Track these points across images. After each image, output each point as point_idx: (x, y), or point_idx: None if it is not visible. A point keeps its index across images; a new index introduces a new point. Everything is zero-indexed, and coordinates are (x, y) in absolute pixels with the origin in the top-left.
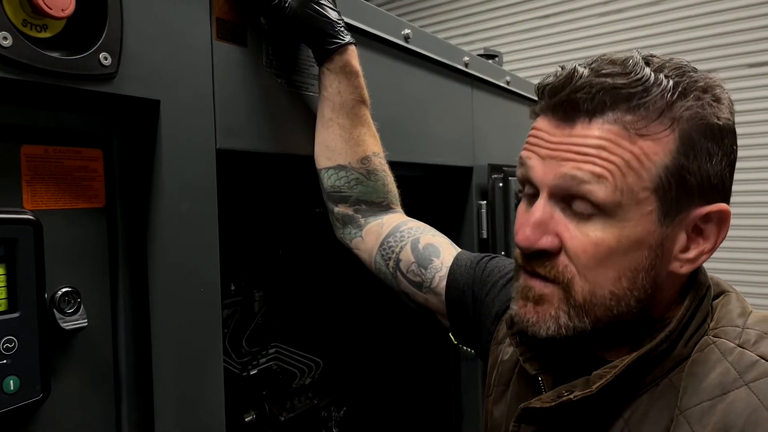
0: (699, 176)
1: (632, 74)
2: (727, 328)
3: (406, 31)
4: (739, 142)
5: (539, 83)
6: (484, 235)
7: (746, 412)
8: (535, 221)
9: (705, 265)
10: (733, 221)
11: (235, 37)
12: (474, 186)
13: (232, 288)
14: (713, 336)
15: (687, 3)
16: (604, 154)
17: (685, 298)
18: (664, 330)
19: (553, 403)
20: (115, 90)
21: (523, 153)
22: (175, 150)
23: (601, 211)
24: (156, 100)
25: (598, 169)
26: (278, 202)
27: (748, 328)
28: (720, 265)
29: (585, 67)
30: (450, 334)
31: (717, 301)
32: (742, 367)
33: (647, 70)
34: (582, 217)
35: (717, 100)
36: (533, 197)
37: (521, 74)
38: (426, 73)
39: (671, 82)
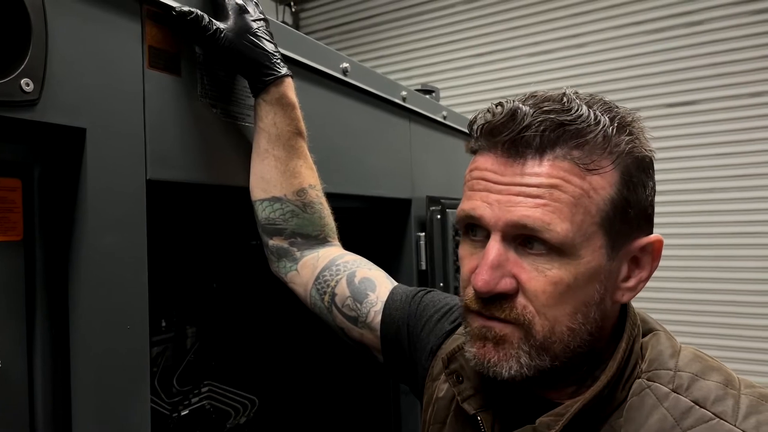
0: (637, 208)
1: (572, 111)
2: (660, 371)
3: (345, 64)
4: (658, 177)
5: (474, 120)
6: (423, 267)
7: None
8: (492, 264)
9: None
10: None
11: (169, 66)
12: (412, 218)
13: (163, 324)
14: (647, 380)
15: (609, 47)
16: (556, 193)
17: (618, 334)
18: (605, 374)
19: None
20: (37, 117)
21: (468, 202)
22: (102, 180)
23: (555, 250)
24: (82, 128)
25: (549, 213)
26: (212, 234)
27: (680, 371)
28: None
29: (524, 104)
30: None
31: (646, 339)
32: (678, 414)
33: (584, 107)
34: (537, 257)
35: (641, 132)
36: (479, 239)
37: (457, 109)
38: (365, 106)
39: (607, 118)
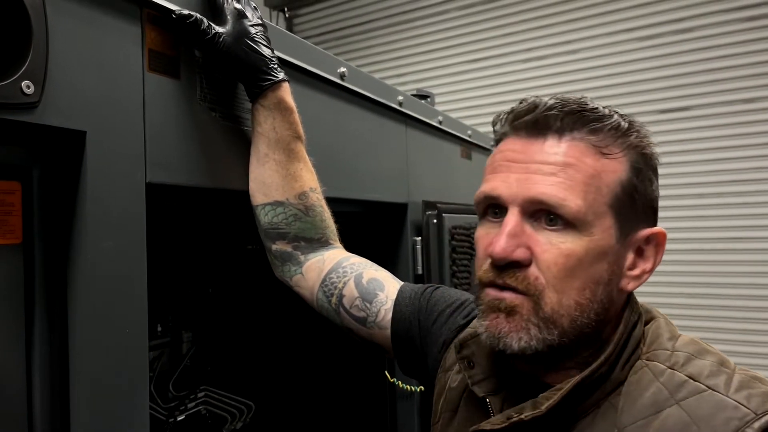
0: (644, 198)
1: (588, 104)
2: (658, 351)
3: (342, 69)
4: None
5: (499, 115)
6: (420, 271)
7: (678, 427)
8: (509, 233)
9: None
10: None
11: (168, 69)
12: (409, 222)
13: (159, 329)
14: (646, 359)
15: (602, 53)
16: (570, 171)
17: (620, 322)
18: (603, 353)
19: (502, 425)
20: (37, 120)
21: (487, 184)
22: (102, 183)
23: (569, 224)
24: (82, 131)
25: (563, 190)
26: (209, 239)
27: (677, 351)
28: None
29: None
30: (386, 372)
31: (647, 326)
32: (672, 387)
33: (600, 106)
34: (552, 231)
35: (648, 137)
36: (496, 219)
37: (452, 114)
38: (361, 110)
39: (618, 116)
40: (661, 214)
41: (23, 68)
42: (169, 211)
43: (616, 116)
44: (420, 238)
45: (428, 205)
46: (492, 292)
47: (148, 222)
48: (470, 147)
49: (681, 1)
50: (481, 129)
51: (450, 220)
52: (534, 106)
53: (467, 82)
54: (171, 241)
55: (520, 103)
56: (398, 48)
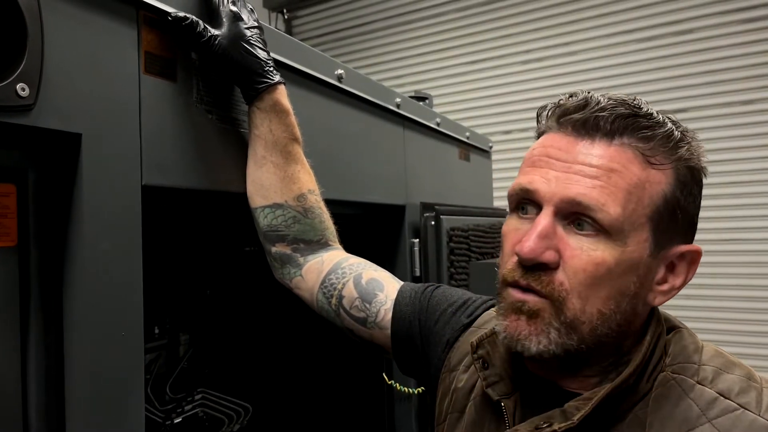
0: (686, 214)
1: (642, 108)
2: (685, 365)
3: (339, 71)
4: None
5: (544, 107)
6: (417, 273)
7: None
8: (540, 233)
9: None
10: None
11: (164, 71)
12: (407, 224)
13: (156, 331)
14: (671, 372)
15: (600, 55)
16: (614, 178)
17: (645, 332)
18: (631, 363)
19: None
20: (33, 122)
21: (525, 176)
22: (97, 186)
23: (603, 231)
24: (77, 133)
25: (604, 195)
26: (206, 241)
27: (704, 365)
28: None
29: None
30: (383, 374)
31: (669, 336)
32: (703, 404)
33: (653, 109)
34: (584, 237)
35: (699, 148)
36: (528, 216)
37: (450, 116)
38: (359, 112)
39: (671, 124)
40: None
41: (18, 70)
42: (165, 214)
43: (669, 124)
44: (418, 239)
45: (426, 206)
46: (515, 294)
47: (144, 224)
48: (468, 149)
49: (680, 2)
50: (480, 131)
51: (448, 221)
52: (584, 104)
53: (465, 84)
54: (168, 244)
55: (570, 97)
56: (396, 50)
